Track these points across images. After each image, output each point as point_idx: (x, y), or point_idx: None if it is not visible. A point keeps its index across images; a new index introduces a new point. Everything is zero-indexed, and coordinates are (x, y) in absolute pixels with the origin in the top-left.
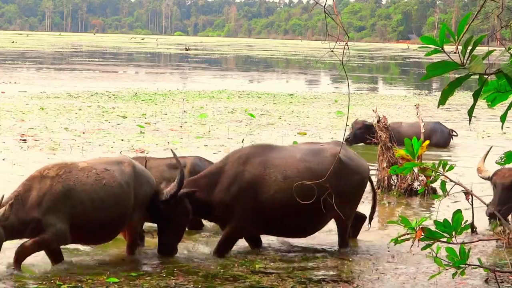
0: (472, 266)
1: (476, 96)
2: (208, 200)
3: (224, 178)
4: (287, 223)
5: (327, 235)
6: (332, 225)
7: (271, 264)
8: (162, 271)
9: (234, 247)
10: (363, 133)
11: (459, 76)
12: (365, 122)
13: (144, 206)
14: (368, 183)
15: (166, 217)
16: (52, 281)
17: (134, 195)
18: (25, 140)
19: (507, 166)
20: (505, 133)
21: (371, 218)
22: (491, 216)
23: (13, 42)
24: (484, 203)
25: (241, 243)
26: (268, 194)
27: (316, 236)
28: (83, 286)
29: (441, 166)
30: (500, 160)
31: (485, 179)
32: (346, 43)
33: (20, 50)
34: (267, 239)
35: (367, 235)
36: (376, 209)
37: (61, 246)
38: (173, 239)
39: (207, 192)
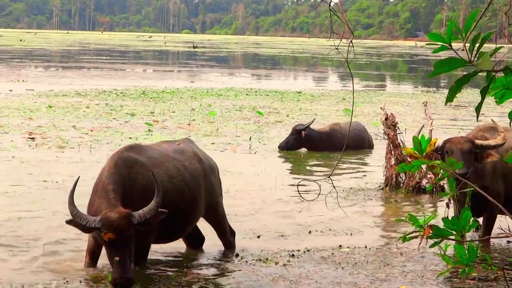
0: (481, 264)
1: (483, 93)
2: None
3: (127, 187)
4: (166, 227)
5: (331, 236)
6: (354, 224)
7: (282, 268)
8: (172, 270)
9: (240, 250)
10: (296, 139)
11: (467, 73)
12: (298, 127)
13: None
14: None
15: (130, 243)
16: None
17: None
18: (33, 138)
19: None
20: None
21: None
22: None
23: (21, 40)
24: (490, 199)
25: (243, 244)
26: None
27: (320, 237)
28: (91, 284)
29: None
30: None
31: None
32: (351, 41)
33: (28, 49)
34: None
35: (375, 233)
36: (382, 207)
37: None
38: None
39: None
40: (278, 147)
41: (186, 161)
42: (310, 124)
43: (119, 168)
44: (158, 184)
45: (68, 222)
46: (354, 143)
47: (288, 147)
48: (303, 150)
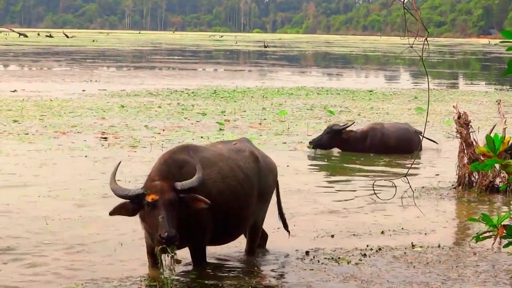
0: None
1: None
2: None
3: None
4: (220, 227)
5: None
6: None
7: (354, 267)
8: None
9: (312, 249)
10: (331, 138)
11: None
12: (334, 127)
13: None
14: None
15: (174, 209)
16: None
17: None
18: (105, 137)
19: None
20: None
21: (285, 224)
22: None
23: (93, 40)
24: None
25: (316, 243)
26: (209, 197)
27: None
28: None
29: None
30: None
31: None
32: (426, 39)
33: (101, 49)
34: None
35: (448, 232)
36: (455, 206)
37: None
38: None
39: None
40: (310, 143)
41: (241, 161)
42: (349, 126)
43: (169, 166)
44: (198, 164)
45: (112, 212)
46: (398, 144)
47: (321, 145)
48: (336, 150)
